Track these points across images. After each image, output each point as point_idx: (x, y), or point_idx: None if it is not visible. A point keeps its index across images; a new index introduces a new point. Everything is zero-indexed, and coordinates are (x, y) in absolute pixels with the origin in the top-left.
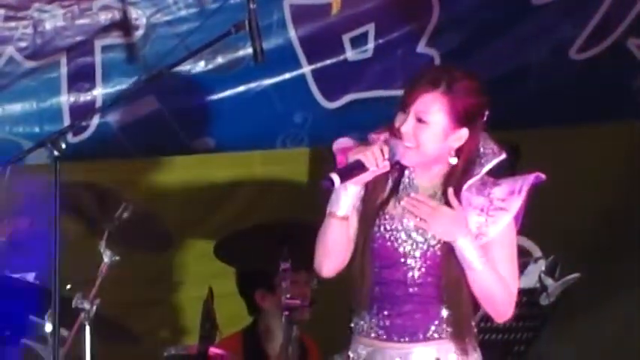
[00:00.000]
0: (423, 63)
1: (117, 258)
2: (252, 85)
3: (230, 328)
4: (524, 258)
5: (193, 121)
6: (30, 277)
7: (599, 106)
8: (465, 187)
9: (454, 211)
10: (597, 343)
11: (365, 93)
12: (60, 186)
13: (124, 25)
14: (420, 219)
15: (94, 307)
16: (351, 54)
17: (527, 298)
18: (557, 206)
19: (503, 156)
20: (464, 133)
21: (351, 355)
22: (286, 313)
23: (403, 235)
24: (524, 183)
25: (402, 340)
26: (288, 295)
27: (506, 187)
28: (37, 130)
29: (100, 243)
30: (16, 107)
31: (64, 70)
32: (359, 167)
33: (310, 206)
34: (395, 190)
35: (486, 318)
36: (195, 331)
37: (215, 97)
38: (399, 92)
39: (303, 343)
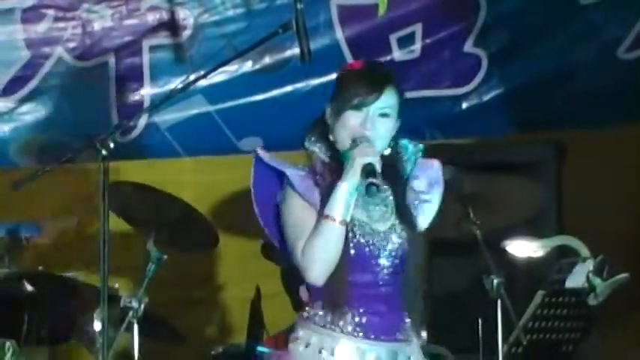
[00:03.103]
0: (470, 63)
1: (164, 257)
2: (299, 85)
3: (276, 328)
4: (571, 258)
5: (241, 121)
6: (78, 275)
7: None
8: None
9: None
10: None
11: (411, 93)
12: (108, 185)
13: (172, 25)
14: None
15: (142, 306)
16: (398, 54)
17: (575, 298)
18: (604, 206)
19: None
20: (399, 122)
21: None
22: None
23: (377, 239)
24: (437, 172)
25: (379, 338)
26: None
27: (424, 179)
28: (85, 129)
29: (148, 242)
30: (65, 107)
31: (112, 70)
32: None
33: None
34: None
35: (534, 318)
36: (241, 330)
37: (262, 97)
38: (446, 92)
39: None
